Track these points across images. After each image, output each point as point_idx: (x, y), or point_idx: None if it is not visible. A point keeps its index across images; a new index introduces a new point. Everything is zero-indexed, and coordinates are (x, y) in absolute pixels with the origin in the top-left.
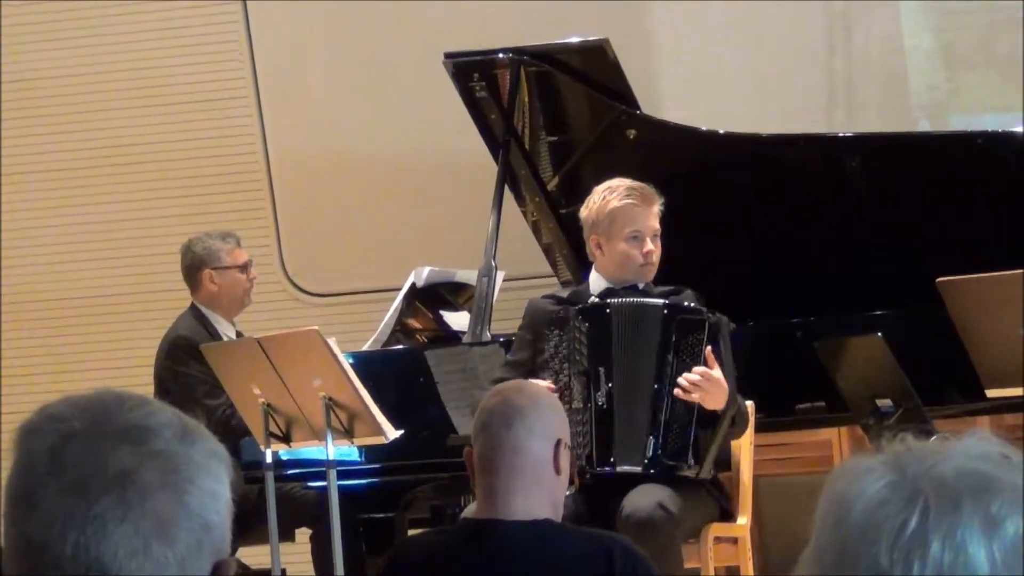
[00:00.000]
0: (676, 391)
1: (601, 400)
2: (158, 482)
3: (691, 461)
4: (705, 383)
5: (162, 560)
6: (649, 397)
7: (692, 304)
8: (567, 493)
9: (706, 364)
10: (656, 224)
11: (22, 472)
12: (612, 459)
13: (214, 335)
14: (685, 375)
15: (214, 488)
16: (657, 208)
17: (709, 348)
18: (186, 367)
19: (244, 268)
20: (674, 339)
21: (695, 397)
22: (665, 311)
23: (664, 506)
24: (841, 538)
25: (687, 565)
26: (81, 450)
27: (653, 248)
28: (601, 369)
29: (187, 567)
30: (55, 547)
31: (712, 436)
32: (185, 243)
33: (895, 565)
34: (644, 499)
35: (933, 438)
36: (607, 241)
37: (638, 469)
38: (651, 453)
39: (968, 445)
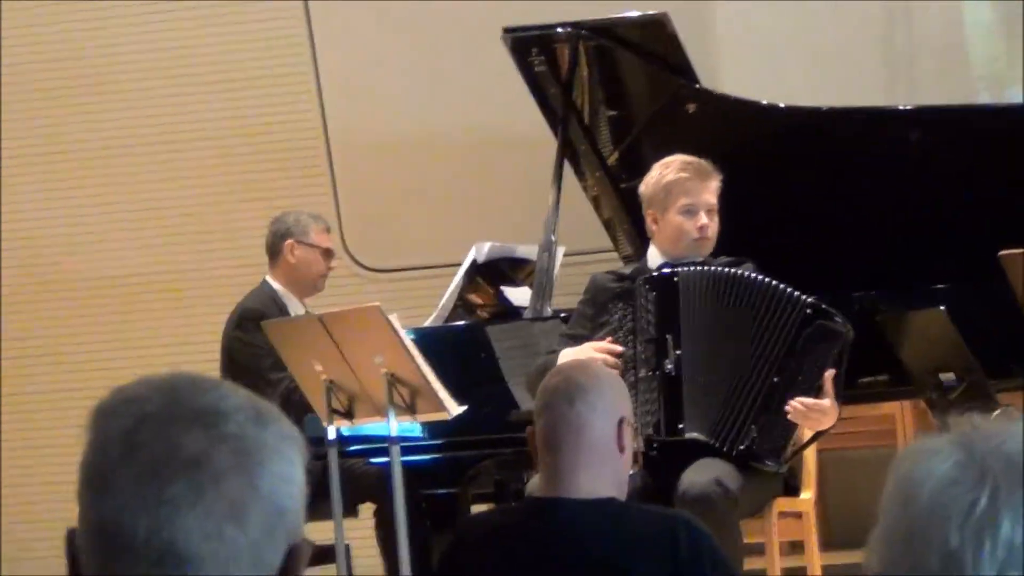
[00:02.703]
0: (788, 405)
1: (669, 367)
2: (231, 466)
3: (781, 464)
4: (816, 414)
5: (235, 544)
6: (742, 375)
7: (837, 314)
8: (631, 472)
9: (821, 388)
10: (712, 199)
11: (96, 454)
12: (681, 426)
13: (283, 311)
14: (801, 400)
15: (287, 472)
16: (714, 184)
17: (832, 373)
18: (254, 338)
19: (327, 254)
20: (803, 337)
21: (800, 420)
22: (808, 310)
23: (721, 482)
24: (910, 519)
25: (752, 540)
26: (154, 433)
27: (708, 222)
28: (669, 337)
29: (260, 551)
30: (128, 531)
31: (803, 442)
32: (277, 214)
33: (966, 544)
34: (701, 475)
35: (996, 412)
36: (662, 215)
37: (705, 437)
38: (746, 443)
39: None
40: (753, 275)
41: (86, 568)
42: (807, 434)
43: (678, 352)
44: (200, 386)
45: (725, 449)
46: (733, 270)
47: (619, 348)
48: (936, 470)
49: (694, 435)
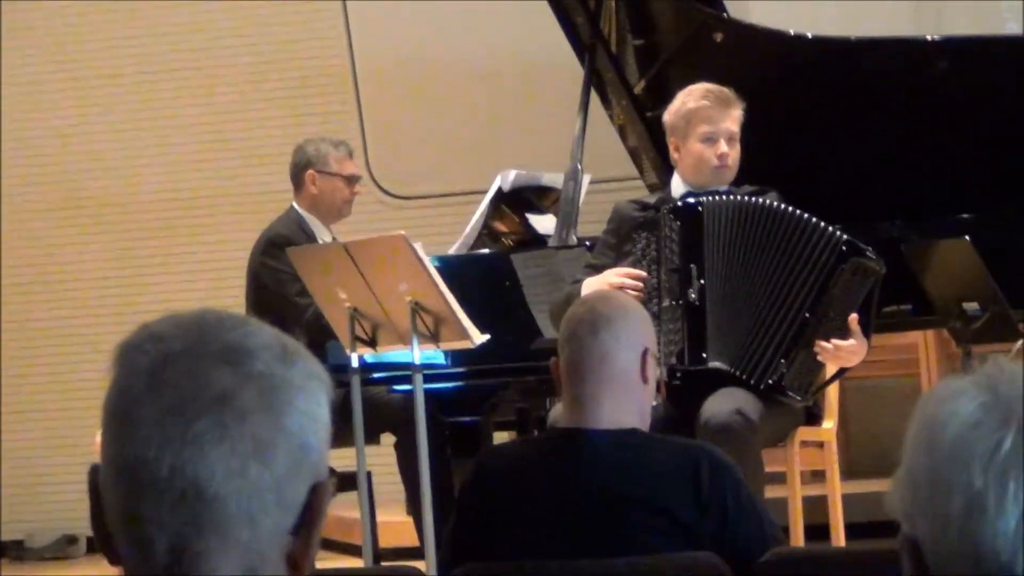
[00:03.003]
0: (817, 346)
1: (693, 296)
2: (256, 404)
3: (808, 398)
4: (845, 353)
5: (260, 482)
6: (771, 308)
7: (870, 250)
8: (654, 403)
9: (848, 329)
10: (733, 127)
11: (121, 391)
12: (704, 355)
13: (310, 237)
14: (825, 345)
15: (313, 410)
16: (736, 112)
17: (855, 317)
18: (280, 264)
19: (349, 180)
20: (837, 273)
21: (829, 360)
22: (844, 247)
23: (743, 412)
24: (934, 460)
25: (773, 469)
26: (180, 370)
27: (728, 151)
28: (693, 266)
29: (285, 488)
30: (152, 467)
31: (829, 378)
32: (299, 143)
33: (989, 486)
34: (722, 405)
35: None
36: (683, 143)
37: (728, 367)
38: (774, 378)
39: None
40: (783, 207)
41: (109, 506)
42: (832, 369)
43: (702, 282)
44: (226, 323)
45: (752, 382)
46: (760, 200)
47: (641, 273)
48: (960, 411)
49: (717, 364)
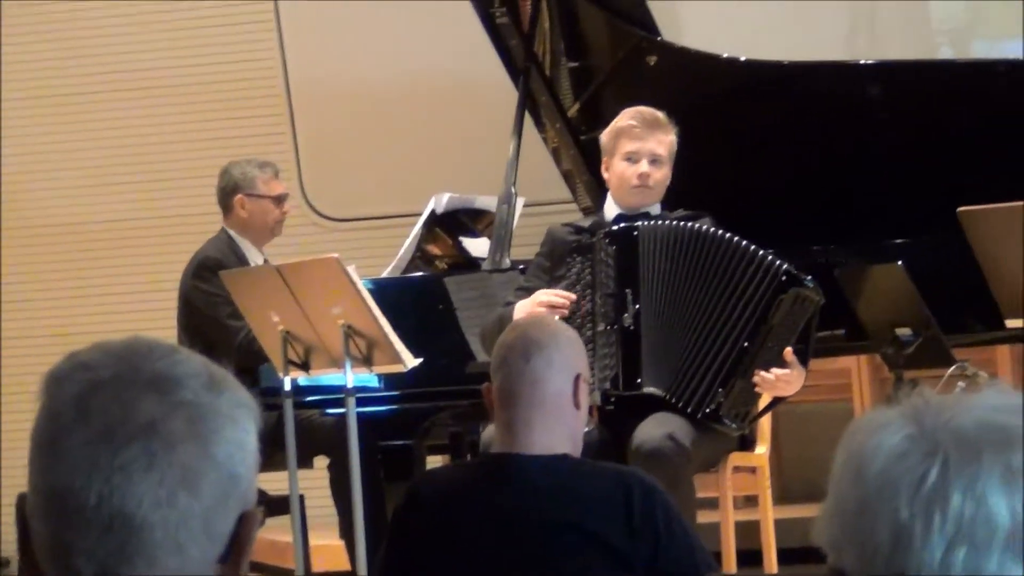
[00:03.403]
0: (756, 376)
1: (628, 321)
2: (184, 432)
3: (744, 427)
4: (782, 384)
5: (187, 511)
6: (709, 335)
7: (809, 279)
8: (586, 428)
9: (785, 360)
10: (658, 149)
11: (49, 419)
12: (639, 380)
13: (242, 259)
14: (765, 375)
15: (241, 439)
16: (664, 136)
17: (790, 350)
18: (213, 286)
19: (278, 200)
20: (777, 303)
21: (767, 390)
22: (784, 277)
23: (674, 437)
24: (861, 491)
25: (706, 494)
26: (108, 399)
27: (649, 171)
28: (628, 292)
29: (212, 517)
30: (80, 496)
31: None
32: (224, 166)
33: (915, 518)
34: (654, 430)
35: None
36: (610, 161)
37: (663, 393)
38: (711, 407)
39: (986, 397)
40: (720, 233)
41: (36, 534)
42: (767, 398)
43: (637, 306)
44: (155, 352)
45: (689, 410)
46: (696, 225)
47: (570, 295)
48: (887, 443)
49: (652, 390)
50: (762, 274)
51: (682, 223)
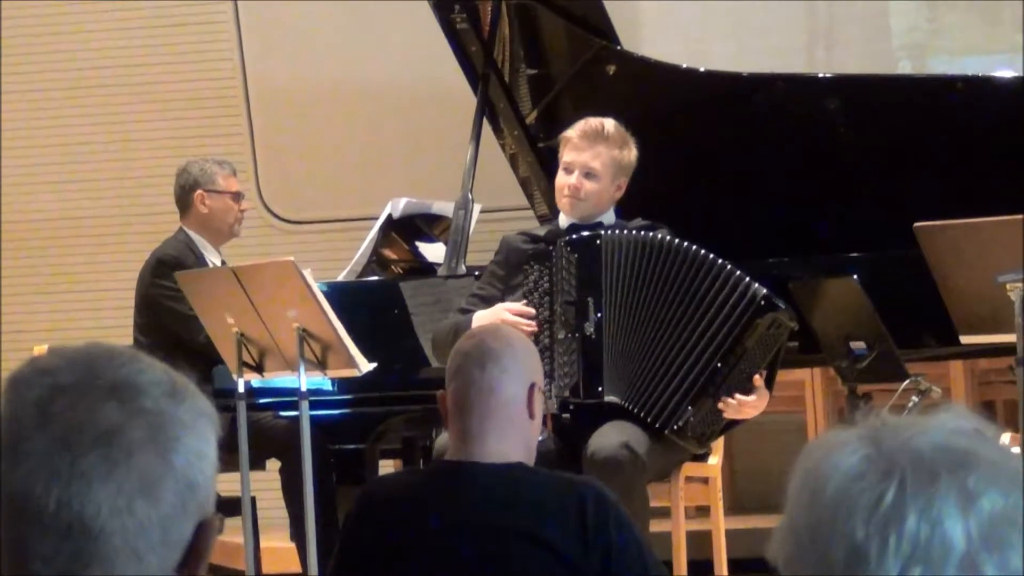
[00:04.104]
0: (722, 402)
1: (590, 330)
2: (145, 440)
3: (705, 445)
4: (748, 408)
5: (146, 518)
6: (681, 351)
7: (784, 304)
8: (540, 438)
9: (753, 384)
10: (593, 163)
11: (9, 424)
12: (600, 388)
13: (200, 259)
14: (738, 398)
15: (201, 448)
16: (606, 150)
17: (758, 376)
18: (174, 282)
19: (236, 197)
20: (753, 327)
21: (732, 414)
22: (762, 302)
23: (629, 446)
24: (816, 512)
25: (658, 504)
26: (68, 405)
27: (578, 184)
28: (590, 300)
29: (171, 526)
30: (38, 501)
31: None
32: (182, 165)
33: (871, 539)
34: (609, 439)
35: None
36: (558, 169)
37: (626, 403)
38: (680, 423)
39: (944, 420)
40: (689, 246)
41: None
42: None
43: (599, 315)
44: (116, 359)
45: (657, 425)
46: (662, 237)
47: (531, 311)
48: (843, 464)
49: (613, 399)
50: (738, 296)
51: (646, 233)
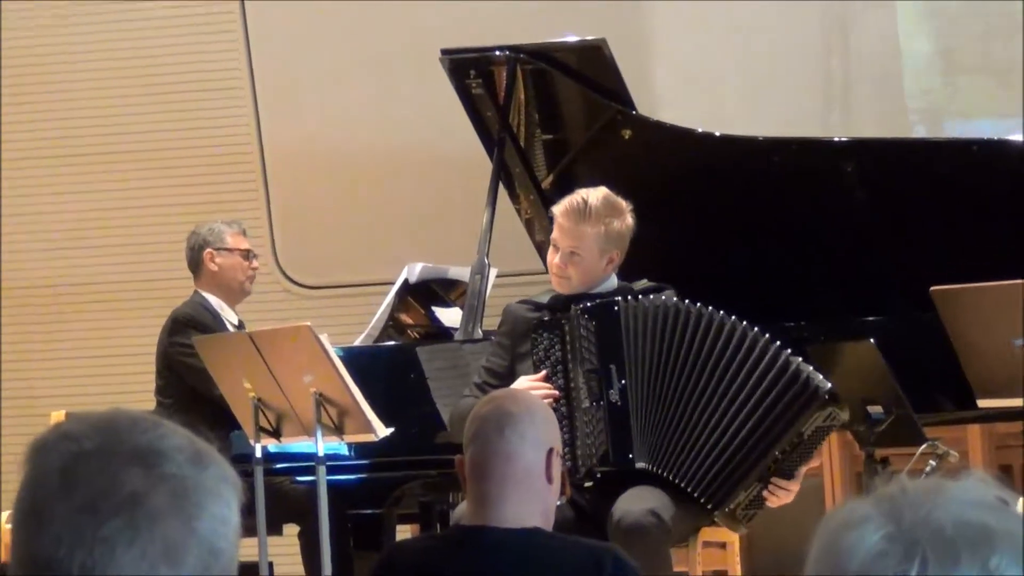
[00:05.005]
0: (769, 491)
1: (615, 398)
2: (168, 506)
3: (744, 527)
4: (786, 498)
5: None
6: (719, 423)
7: (837, 394)
8: (558, 503)
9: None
10: (574, 243)
11: (32, 489)
12: (631, 456)
13: (216, 318)
14: (778, 491)
15: (224, 514)
16: (591, 228)
17: (805, 467)
18: (187, 340)
19: (246, 255)
20: (810, 417)
21: (773, 502)
22: (827, 395)
23: (656, 513)
24: None
25: (676, 568)
26: (92, 470)
27: (563, 264)
28: (613, 367)
29: None
30: (62, 567)
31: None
32: (192, 229)
33: None
34: (635, 504)
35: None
36: None
37: (658, 469)
38: (731, 505)
39: (965, 488)
40: (720, 314)
41: None
42: None
43: (623, 382)
44: (139, 425)
45: (710, 506)
46: (687, 305)
47: (555, 393)
48: (865, 542)
49: (643, 465)
50: (789, 378)
51: (665, 299)
